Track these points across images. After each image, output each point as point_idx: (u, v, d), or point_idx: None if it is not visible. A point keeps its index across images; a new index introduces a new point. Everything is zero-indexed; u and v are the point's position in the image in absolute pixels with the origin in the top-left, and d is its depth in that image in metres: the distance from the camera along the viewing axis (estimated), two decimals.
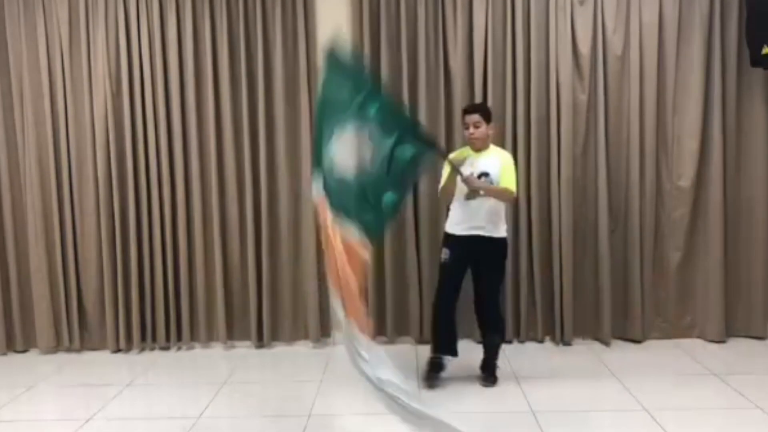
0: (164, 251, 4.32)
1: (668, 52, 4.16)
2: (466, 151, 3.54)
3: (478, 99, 4.16)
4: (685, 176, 4.21)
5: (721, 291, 4.19)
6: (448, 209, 3.67)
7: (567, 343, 4.24)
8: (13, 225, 4.36)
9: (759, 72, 4.09)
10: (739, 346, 4.18)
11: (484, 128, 3.48)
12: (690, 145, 4.19)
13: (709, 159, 4.18)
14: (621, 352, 4.09)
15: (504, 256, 3.64)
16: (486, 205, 3.45)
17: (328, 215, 2.72)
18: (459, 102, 4.18)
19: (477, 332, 4.22)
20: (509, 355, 4.07)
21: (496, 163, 3.48)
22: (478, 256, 3.53)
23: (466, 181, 3.35)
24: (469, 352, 3.76)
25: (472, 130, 3.47)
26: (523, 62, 4.16)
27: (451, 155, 3.51)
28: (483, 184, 3.42)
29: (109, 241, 4.29)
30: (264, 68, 4.23)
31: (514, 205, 4.20)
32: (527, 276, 4.25)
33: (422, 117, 4.17)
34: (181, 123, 4.27)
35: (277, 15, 4.20)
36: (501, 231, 3.55)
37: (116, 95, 4.25)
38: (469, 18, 4.17)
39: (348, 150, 2.83)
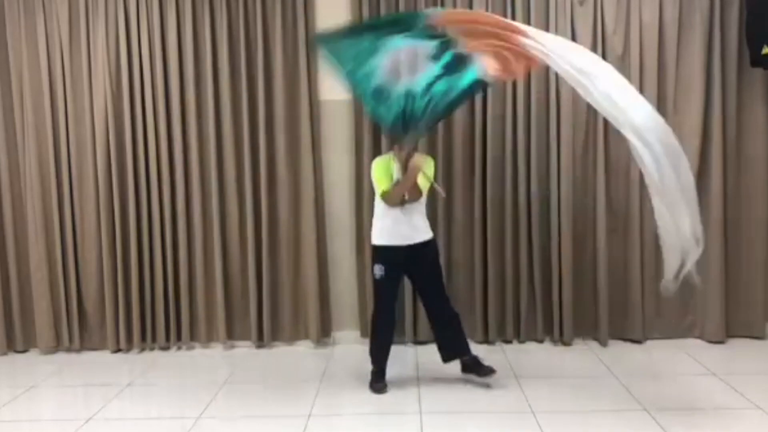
0: (164, 251, 4.32)
1: (668, 52, 4.16)
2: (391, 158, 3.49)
3: (477, 99, 4.17)
4: None
5: (721, 291, 4.19)
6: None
7: (567, 343, 4.24)
8: (13, 225, 4.36)
9: (759, 72, 4.09)
10: (739, 346, 4.18)
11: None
12: (690, 144, 4.17)
13: (710, 159, 4.17)
14: (621, 353, 4.09)
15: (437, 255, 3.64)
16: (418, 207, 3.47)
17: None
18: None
19: (477, 333, 4.26)
20: (509, 355, 4.08)
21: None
22: (414, 263, 3.51)
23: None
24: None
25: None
26: None
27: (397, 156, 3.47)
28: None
29: (109, 241, 4.29)
30: (264, 68, 4.23)
31: (514, 205, 4.22)
32: (527, 276, 4.25)
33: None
34: (181, 123, 4.27)
35: (277, 14, 4.20)
36: (429, 233, 3.55)
37: (116, 95, 4.25)
38: None
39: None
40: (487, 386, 3.51)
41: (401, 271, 3.57)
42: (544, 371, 3.82)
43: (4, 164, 4.33)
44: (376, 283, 3.55)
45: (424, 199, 3.53)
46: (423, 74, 3.18)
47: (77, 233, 4.36)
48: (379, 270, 3.50)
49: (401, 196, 3.41)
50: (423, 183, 3.43)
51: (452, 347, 3.61)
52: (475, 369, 3.55)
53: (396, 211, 3.45)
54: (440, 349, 3.63)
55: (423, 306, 3.70)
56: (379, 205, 3.53)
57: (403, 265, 3.53)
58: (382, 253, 3.51)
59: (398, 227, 3.46)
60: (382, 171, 3.48)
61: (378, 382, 3.54)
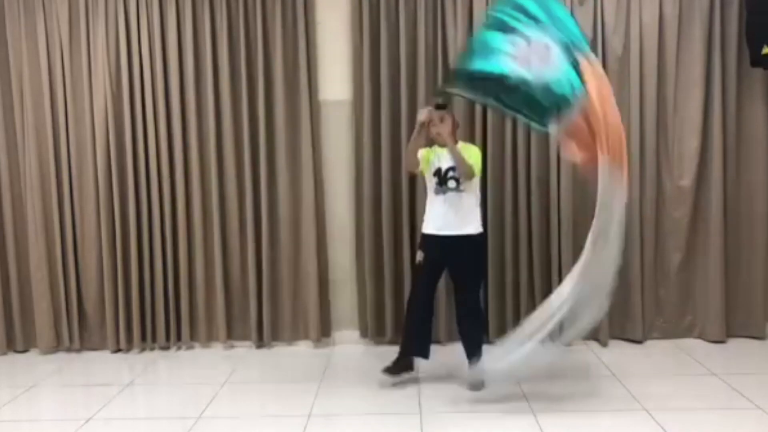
0: (164, 251, 4.32)
1: (668, 51, 4.16)
2: (435, 148, 3.55)
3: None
4: (685, 176, 4.21)
5: (721, 291, 4.19)
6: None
7: (567, 343, 4.23)
8: (13, 225, 4.36)
9: (759, 72, 4.09)
10: (739, 346, 4.19)
11: (449, 123, 3.49)
12: (690, 144, 4.19)
13: (710, 159, 4.18)
14: (621, 353, 4.09)
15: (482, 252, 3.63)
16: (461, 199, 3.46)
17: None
18: (459, 102, 4.17)
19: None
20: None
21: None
22: (453, 254, 3.50)
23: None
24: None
25: (437, 122, 3.47)
26: None
27: (421, 152, 3.53)
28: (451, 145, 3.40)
29: (109, 241, 4.29)
30: (264, 68, 4.23)
31: (514, 204, 4.21)
32: (527, 276, 4.24)
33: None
34: (181, 123, 4.27)
35: (277, 14, 4.20)
36: (475, 228, 3.53)
37: (116, 95, 4.25)
38: (469, 18, 4.17)
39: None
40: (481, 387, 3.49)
41: (441, 262, 3.55)
42: (544, 371, 3.81)
43: (4, 164, 4.33)
44: (415, 268, 3.65)
45: (476, 191, 3.54)
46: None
47: (77, 233, 4.36)
48: (419, 256, 3.56)
49: (410, 155, 3.48)
50: (475, 161, 3.45)
51: (469, 349, 3.59)
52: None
53: (443, 199, 3.47)
54: (464, 347, 3.62)
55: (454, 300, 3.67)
56: (429, 193, 3.57)
57: (444, 257, 3.51)
58: (425, 241, 3.56)
59: (444, 216, 3.47)
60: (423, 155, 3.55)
61: (391, 367, 3.53)
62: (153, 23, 4.22)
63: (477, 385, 3.46)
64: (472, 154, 3.50)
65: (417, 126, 3.43)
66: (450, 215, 3.47)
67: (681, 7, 4.13)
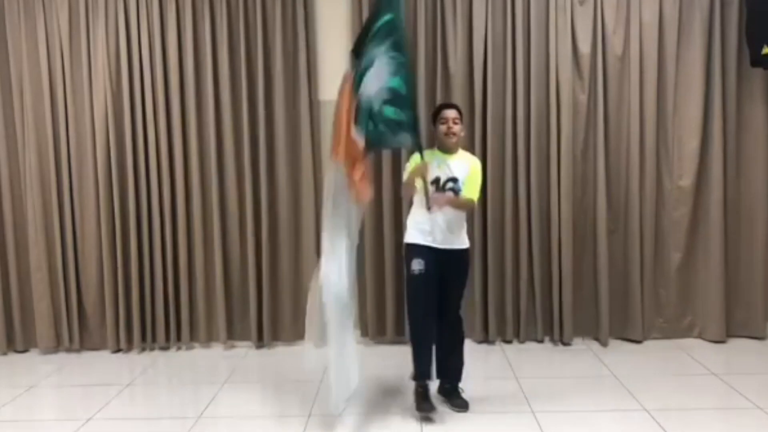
0: (164, 251, 4.33)
1: (668, 51, 4.16)
2: (436, 153, 3.28)
3: (477, 100, 4.18)
4: (685, 176, 4.21)
5: (721, 291, 4.19)
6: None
7: (567, 343, 4.24)
8: (13, 224, 4.36)
9: (759, 72, 4.09)
10: (739, 346, 4.19)
11: (460, 126, 3.30)
12: (690, 144, 4.19)
13: (710, 159, 4.18)
14: (621, 353, 4.09)
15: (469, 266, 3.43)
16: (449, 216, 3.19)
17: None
18: (459, 102, 4.17)
19: (477, 333, 4.26)
20: (509, 355, 4.08)
21: (465, 168, 3.26)
22: (445, 268, 3.23)
23: (430, 198, 3.12)
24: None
25: (451, 125, 3.21)
26: (523, 62, 4.16)
27: (422, 158, 3.14)
28: (446, 200, 3.17)
29: (109, 241, 4.29)
30: (264, 68, 4.23)
31: (514, 204, 4.22)
32: (527, 276, 4.25)
33: (422, 117, 4.14)
34: (181, 123, 4.28)
35: (277, 15, 4.21)
36: (465, 242, 3.32)
37: (116, 95, 4.26)
38: (469, 18, 4.17)
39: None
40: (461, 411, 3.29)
41: (438, 269, 3.21)
42: (544, 371, 3.82)
43: (4, 164, 4.33)
44: (414, 278, 3.19)
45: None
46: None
47: (77, 233, 4.36)
48: (417, 264, 3.17)
49: (407, 194, 3.26)
50: (476, 185, 3.25)
51: (447, 372, 3.37)
52: (451, 397, 3.33)
53: (429, 213, 3.17)
54: (438, 369, 3.35)
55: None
56: (414, 203, 3.32)
57: (438, 270, 3.20)
58: (416, 249, 3.22)
59: (441, 229, 3.20)
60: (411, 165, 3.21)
61: (424, 401, 3.17)
62: (153, 23, 4.23)
63: (463, 405, 3.28)
64: (473, 171, 3.24)
65: (413, 173, 3.11)
66: (446, 229, 3.21)
67: (681, 7, 4.13)
